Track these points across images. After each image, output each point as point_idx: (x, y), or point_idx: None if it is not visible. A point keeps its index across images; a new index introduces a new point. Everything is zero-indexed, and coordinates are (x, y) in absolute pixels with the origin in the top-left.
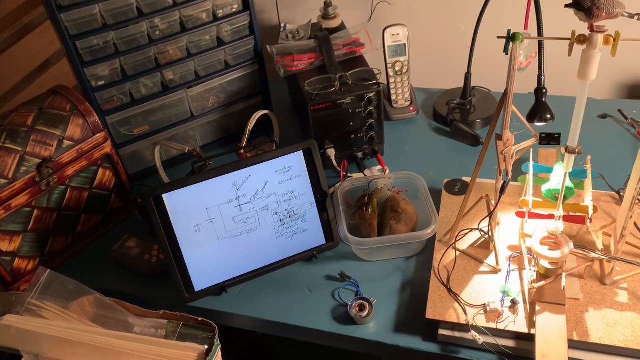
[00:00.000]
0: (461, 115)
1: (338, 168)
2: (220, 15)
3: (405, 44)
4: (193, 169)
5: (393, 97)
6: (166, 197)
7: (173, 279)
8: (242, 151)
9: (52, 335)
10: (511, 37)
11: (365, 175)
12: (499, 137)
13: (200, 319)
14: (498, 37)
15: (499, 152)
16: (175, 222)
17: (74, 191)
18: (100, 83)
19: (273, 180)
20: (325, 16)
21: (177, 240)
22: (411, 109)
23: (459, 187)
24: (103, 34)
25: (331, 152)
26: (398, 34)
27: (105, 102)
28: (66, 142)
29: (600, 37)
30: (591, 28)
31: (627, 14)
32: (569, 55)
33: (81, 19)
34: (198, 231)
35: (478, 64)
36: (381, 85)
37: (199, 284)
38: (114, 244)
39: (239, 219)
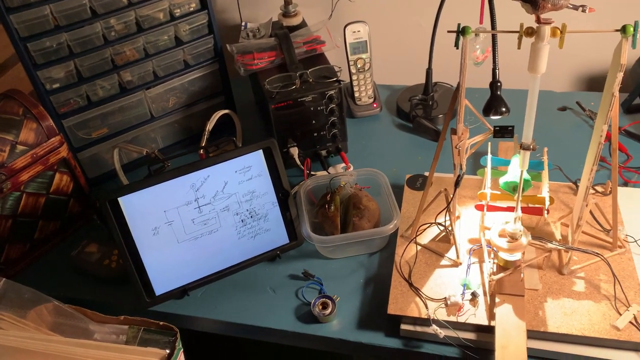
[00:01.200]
0: (424, 111)
1: (301, 166)
2: (177, 14)
3: (366, 41)
4: (149, 172)
5: (356, 94)
6: (122, 201)
7: (132, 284)
8: (201, 151)
9: (8, 346)
10: (461, 31)
11: (328, 173)
12: (454, 131)
13: (161, 323)
14: (448, 32)
15: (453, 146)
16: (133, 225)
17: (30, 197)
18: (55, 86)
19: (233, 181)
20: (285, 14)
21: (136, 244)
22: (374, 105)
23: (420, 182)
24: (56, 35)
25: (294, 151)
26: (359, 31)
27: (61, 105)
28: (19, 147)
29: (547, 29)
30: (538, 20)
31: (571, 6)
32: (519, 47)
33: (32, 20)
34: (157, 234)
35: (439, 59)
36: (342, 82)
37: (159, 288)
38: (73, 249)
39: (199, 221)
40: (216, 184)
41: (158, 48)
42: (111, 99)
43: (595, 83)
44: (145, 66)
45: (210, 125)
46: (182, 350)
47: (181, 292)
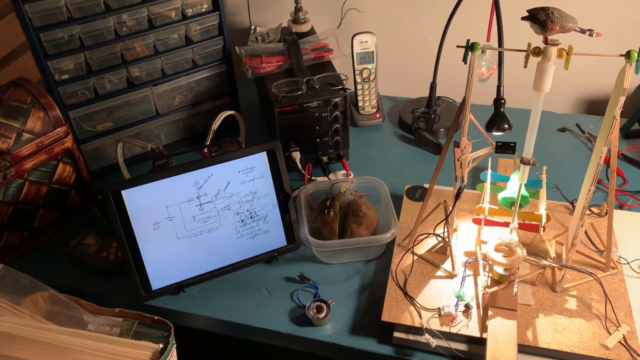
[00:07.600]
0: (426, 124)
1: (303, 171)
2: (189, 14)
3: (373, 52)
4: (154, 167)
5: (360, 104)
6: (125, 194)
7: (129, 277)
8: (205, 150)
9: (2, 332)
10: (470, 47)
11: (329, 179)
12: (457, 144)
13: (156, 317)
14: (457, 46)
15: (455, 158)
16: (134, 219)
17: (32, 185)
18: (64, 77)
19: (235, 180)
20: (295, 20)
21: (135, 237)
22: (377, 115)
23: (419, 194)
24: (68, 27)
25: (296, 155)
26: (366, 42)
27: (68, 96)
28: (25, 135)
29: (554, 50)
30: (545, 41)
31: (578, 29)
32: (525, 66)
33: (46, 10)
34: (157, 229)
35: (443, 74)
36: (347, 90)
37: (156, 283)
38: (71, 240)
39: (199, 218)
40: (219, 183)
41: (168, 46)
42: (118, 94)
43: (595, 106)
44: (154, 63)
45: (215, 125)
46: (175, 345)
47: (177, 288)
